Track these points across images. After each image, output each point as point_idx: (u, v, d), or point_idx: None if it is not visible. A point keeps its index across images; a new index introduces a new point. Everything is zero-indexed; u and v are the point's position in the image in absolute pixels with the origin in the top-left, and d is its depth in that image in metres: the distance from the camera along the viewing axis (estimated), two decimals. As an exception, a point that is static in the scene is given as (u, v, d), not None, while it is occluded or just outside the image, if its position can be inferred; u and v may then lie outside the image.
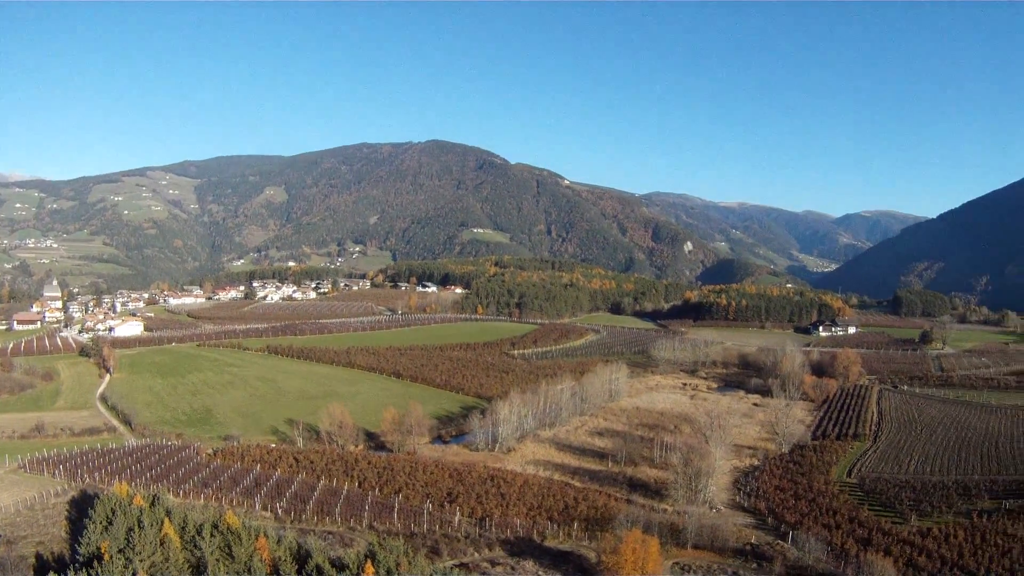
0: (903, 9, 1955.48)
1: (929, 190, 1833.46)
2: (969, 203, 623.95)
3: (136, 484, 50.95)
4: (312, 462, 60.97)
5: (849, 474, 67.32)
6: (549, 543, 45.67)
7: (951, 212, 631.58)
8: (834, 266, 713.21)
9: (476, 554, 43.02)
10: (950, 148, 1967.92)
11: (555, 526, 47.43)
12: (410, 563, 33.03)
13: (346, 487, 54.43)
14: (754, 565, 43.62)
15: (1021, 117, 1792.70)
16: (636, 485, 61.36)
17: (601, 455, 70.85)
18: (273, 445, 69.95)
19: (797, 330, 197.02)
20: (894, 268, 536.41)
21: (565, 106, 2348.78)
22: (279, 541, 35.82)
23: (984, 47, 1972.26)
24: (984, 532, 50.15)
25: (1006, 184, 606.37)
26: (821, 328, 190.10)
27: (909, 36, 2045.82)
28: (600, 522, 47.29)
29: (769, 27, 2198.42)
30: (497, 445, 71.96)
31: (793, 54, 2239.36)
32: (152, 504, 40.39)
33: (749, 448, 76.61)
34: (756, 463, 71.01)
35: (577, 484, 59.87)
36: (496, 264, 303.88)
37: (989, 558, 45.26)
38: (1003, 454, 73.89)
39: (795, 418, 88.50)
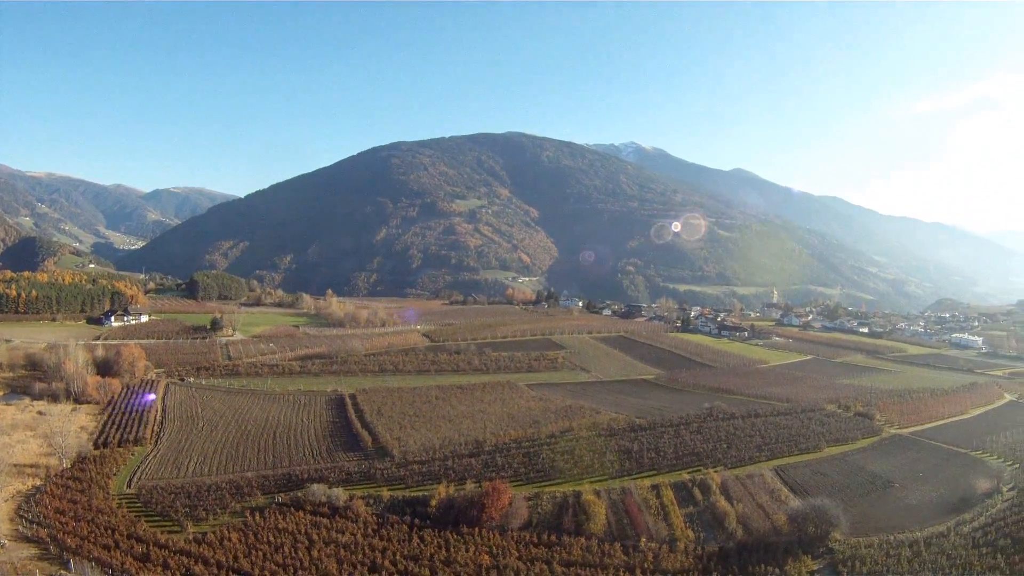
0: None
1: (241, 171, 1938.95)
2: (276, 185, 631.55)
3: None
4: None
5: (129, 484, 62.97)
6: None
7: (259, 192, 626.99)
8: (141, 244, 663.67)
9: None
10: (262, 134, 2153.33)
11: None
12: None
13: None
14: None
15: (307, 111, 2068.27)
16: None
17: None
18: None
19: (91, 321, 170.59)
20: (202, 247, 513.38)
21: None
22: None
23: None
24: (257, 530, 50.43)
25: (313, 169, 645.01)
26: (113, 318, 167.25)
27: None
28: None
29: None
30: None
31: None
32: None
33: (32, 467, 67.25)
34: (39, 483, 63.02)
35: None
36: None
37: (263, 556, 46.04)
38: (279, 445, 73.70)
39: (78, 426, 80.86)
